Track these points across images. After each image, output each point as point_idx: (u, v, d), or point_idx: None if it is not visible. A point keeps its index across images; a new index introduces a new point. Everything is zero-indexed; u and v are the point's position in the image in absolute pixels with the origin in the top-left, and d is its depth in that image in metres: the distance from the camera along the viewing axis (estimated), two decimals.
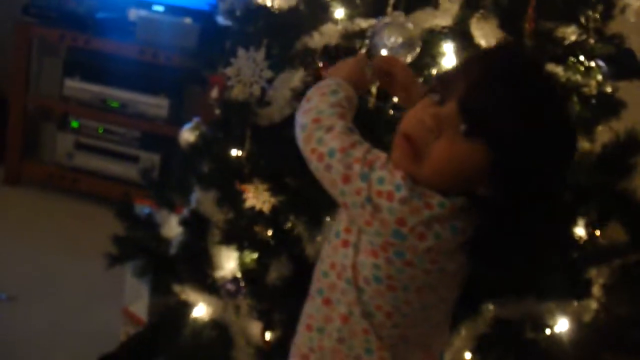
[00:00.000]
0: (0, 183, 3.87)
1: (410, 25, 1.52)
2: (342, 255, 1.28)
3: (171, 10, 3.67)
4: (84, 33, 3.64)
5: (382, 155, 1.22)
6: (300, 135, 1.28)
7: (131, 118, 3.68)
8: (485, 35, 1.67)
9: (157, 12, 3.69)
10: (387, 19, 1.54)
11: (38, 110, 4.07)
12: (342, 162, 1.21)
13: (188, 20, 3.62)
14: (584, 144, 1.86)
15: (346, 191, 1.22)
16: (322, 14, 1.86)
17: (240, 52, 1.85)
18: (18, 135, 3.85)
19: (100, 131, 3.76)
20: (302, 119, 1.29)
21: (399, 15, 1.53)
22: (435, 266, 1.22)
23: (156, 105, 3.63)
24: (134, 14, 3.79)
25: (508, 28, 1.70)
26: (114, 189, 3.61)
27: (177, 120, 3.56)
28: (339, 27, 1.75)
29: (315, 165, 1.25)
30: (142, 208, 2.58)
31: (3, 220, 3.48)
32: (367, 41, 1.61)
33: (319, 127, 1.25)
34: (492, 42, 1.66)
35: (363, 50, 1.65)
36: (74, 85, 3.72)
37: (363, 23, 1.72)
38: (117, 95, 3.67)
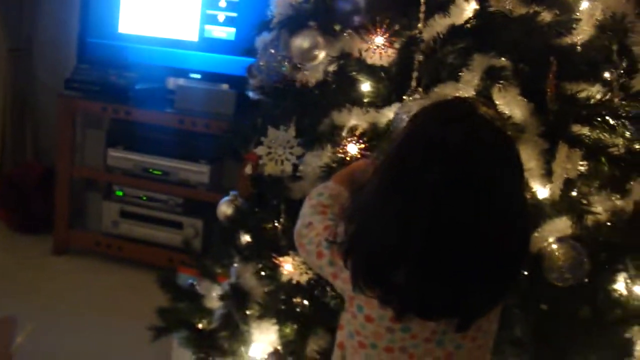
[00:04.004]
0: (49, 252, 3.97)
1: None
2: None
3: (208, 77, 3.76)
4: (125, 104, 3.74)
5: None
6: (295, 235, 1.51)
7: (173, 185, 3.77)
8: (508, 103, 1.69)
9: (194, 79, 3.79)
10: (405, 111, 1.58)
11: (83, 181, 4.19)
12: (313, 243, 1.43)
13: (225, 86, 3.71)
14: (616, 203, 1.86)
15: (322, 265, 1.41)
16: (349, 88, 1.90)
17: (270, 130, 1.90)
18: (65, 206, 3.95)
19: (144, 199, 3.85)
20: (297, 223, 1.51)
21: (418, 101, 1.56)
22: (399, 325, 1.28)
23: (197, 171, 3.71)
24: (172, 83, 3.89)
25: (530, 94, 1.71)
26: (159, 255, 3.69)
27: (219, 185, 3.64)
28: (367, 115, 1.79)
29: (302, 255, 1.50)
30: (186, 278, 2.63)
31: (53, 290, 3.56)
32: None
33: (302, 225, 1.48)
34: (515, 110, 1.68)
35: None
36: (117, 155, 3.83)
37: (390, 113, 1.75)
38: (159, 163, 3.77)
